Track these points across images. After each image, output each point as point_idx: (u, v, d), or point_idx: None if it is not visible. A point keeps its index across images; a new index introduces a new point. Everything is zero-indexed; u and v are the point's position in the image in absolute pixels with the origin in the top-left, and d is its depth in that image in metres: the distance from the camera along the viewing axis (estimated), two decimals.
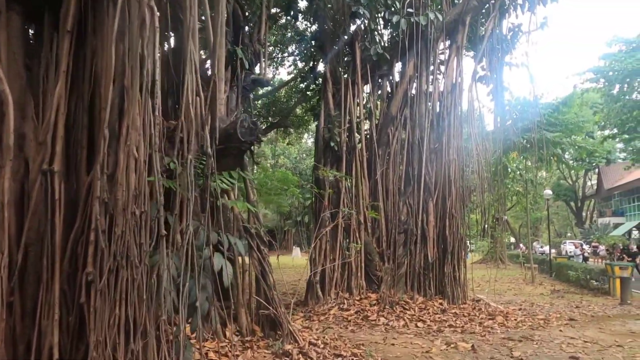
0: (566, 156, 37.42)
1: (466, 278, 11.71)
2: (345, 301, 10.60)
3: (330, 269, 11.06)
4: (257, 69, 9.30)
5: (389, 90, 12.75)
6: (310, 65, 14.89)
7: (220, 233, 4.86)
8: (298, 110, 24.19)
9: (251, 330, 6.10)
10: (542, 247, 39.63)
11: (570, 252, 30.95)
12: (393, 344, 7.95)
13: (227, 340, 5.74)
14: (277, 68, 23.90)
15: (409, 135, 11.91)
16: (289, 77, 23.41)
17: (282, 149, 43.48)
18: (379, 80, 12.64)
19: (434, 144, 11.84)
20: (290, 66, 21.83)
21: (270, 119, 25.28)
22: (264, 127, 27.43)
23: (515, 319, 10.23)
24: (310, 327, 7.61)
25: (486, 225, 13.98)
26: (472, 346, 7.73)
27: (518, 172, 30.93)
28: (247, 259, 6.51)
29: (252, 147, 6.06)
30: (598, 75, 27.86)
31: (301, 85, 20.88)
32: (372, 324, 9.49)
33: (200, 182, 4.62)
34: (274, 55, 23.08)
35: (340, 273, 11.12)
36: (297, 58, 20.42)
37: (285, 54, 22.09)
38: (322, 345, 6.37)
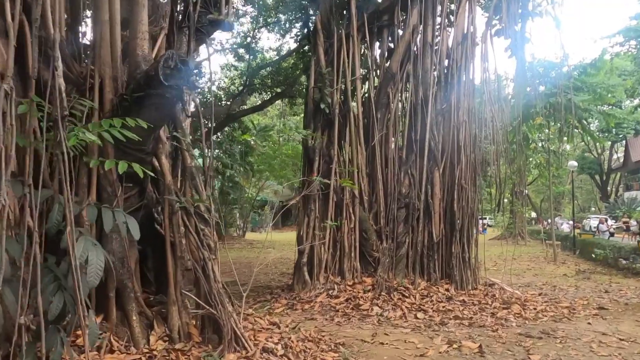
0: (592, 127, 35.05)
1: (477, 259, 10.18)
2: (336, 286, 9.19)
3: (320, 250, 9.63)
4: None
5: (390, 45, 11.06)
6: (303, 19, 13.23)
7: (103, 208, 3.41)
8: (305, 80, 22.65)
9: (186, 333, 4.71)
10: (562, 223, 37.62)
11: (594, 227, 29.04)
12: (383, 343, 6.52)
13: (147, 349, 4.37)
14: (283, 36, 22.41)
15: (412, 95, 10.27)
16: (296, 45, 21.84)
17: (295, 122, 42.00)
18: (378, 32, 10.93)
19: (440, 105, 10.18)
20: (288, 29, 20.21)
21: (277, 89, 23.93)
22: (269, 97, 25.90)
23: (535, 308, 8.71)
24: (278, 324, 6.23)
25: (504, 200, 12.33)
26: (480, 346, 6.26)
27: (540, 143, 28.88)
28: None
29: (184, 96, 4.57)
30: (629, 37, 25.54)
31: (303, 48, 19.28)
32: (364, 314, 8.07)
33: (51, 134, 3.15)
34: (282, 22, 21.70)
35: (331, 254, 9.69)
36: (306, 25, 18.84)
37: (292, 19, 20.51)
38: (281, 352, 4.96)
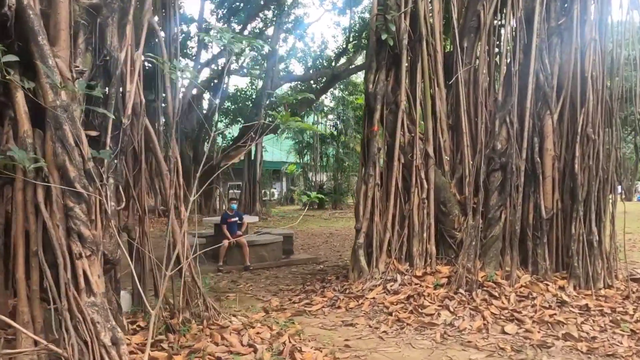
0: None
1: (614, 243, 7.02)
2: (399, 277, 6.83)
3: (381, 228, 7.31)
4: None
5: None
6: None
7: None
8: None
9: None
10: None
11: None
12: None
13: None
14: None
15: (512, 12, 7.23)
16: None
17: None
18: None
19: (556, 20, 7.04)
20: None
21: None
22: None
23: None
24: (255, 346, 4.19)
25: None
26: None
27: None
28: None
29: None
30: None
31: None
32: (426, 321, 5.65)
33: None
34: None
35: (397, 233, 7.31)
36: None
37: None
38: None
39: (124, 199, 4.18)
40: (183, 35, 24.76)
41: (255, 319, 5.49)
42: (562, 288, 6.32)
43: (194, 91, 25.16)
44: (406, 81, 7.46)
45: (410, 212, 7.21)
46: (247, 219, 12.59)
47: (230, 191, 29.46)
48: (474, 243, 6.70)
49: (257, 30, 25.62)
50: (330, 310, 6.31)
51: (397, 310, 5.98)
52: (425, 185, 7.18)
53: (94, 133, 4.10)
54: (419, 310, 5.92)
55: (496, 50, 7.57)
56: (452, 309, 5.84)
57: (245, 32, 25.30)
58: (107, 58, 4.15)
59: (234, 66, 27.16)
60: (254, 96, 26.92)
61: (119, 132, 4.19)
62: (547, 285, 6.34)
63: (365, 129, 7.76)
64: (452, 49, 7.64)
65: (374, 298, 6.44)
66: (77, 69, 3.88)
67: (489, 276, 6.47)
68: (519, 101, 6.92)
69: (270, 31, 25.23)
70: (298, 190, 37.47)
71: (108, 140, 4.06)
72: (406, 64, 7.46)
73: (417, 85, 7.47)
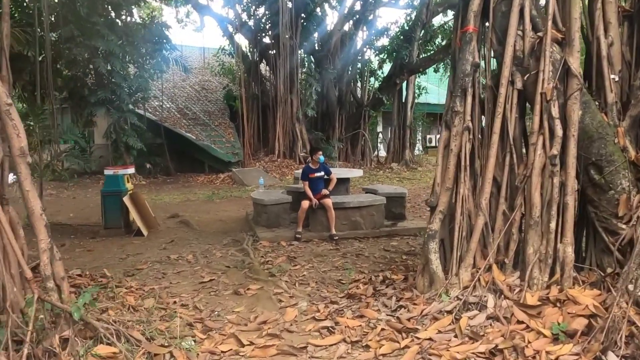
0: None
1: None
2: (491, 301, 3.67)
3: (471, 208, 4.13)
4: None
5: None
6: None
7: None
8: None
9: None
10: None
11: None
12: None
13: None
14: None
15: None
16: None
17: None
18: None
19: None
20: None
21: None
22: None
23: None
24: None
25: None
26: None
27: None
28: None
29: None
30: None
31: None
32: None
33: None
34: None
35: (502, 217, 4.05)
36: None
37: None
38: None
39: None
40: None
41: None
42: None
43: (346, 27, 22.72)
44: None
45: (527, 180, 3.88)
46: (343, 172, 9.99)
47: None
48: None
49: None
50: (348, 354, 3.56)
51: None
52: (560, 131, 3.74)
53: None
54: None
55: None
56: None
57: None
58: None
59: None
60: (406, 27, 23.23)
61: None
62: None
63: (456, 32, 4.46)
64: None
65: (430, 339, 3.46)
66: None
67: None
68: None
69: None
70: None
71: None
72: None
73: None
